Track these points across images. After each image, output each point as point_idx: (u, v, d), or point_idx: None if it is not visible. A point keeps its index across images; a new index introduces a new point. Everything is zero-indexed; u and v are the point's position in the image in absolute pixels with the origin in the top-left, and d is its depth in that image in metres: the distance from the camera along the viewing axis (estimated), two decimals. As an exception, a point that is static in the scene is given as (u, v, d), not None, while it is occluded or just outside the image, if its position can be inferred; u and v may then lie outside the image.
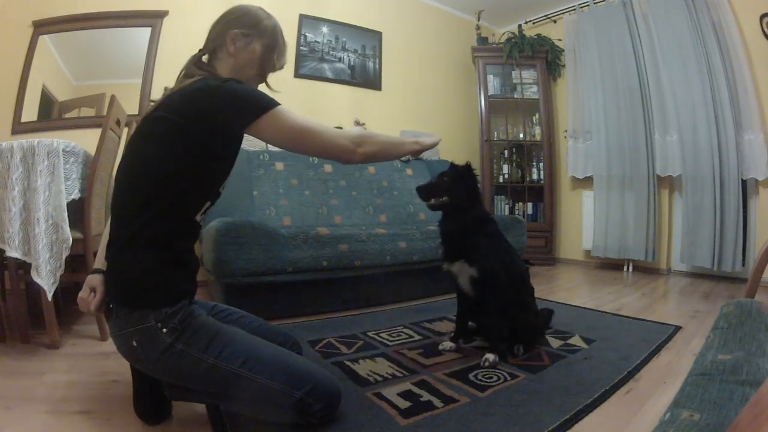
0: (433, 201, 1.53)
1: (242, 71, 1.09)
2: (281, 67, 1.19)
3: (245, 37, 1.07)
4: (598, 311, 2.19)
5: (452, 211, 1.55)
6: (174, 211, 0.96)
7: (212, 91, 0.94)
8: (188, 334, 0.94)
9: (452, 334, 1.66)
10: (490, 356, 1.44)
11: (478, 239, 1.51)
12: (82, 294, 1.01)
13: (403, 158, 3.35)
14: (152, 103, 1.02)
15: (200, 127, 0.93)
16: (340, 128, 3.71)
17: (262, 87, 1.17)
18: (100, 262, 1.04)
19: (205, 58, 1.09)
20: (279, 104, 0.98)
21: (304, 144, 1.00)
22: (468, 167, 1.56)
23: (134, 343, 0.93)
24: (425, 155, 3.59)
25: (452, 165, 1.59)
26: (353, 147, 1.03)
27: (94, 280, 1.02)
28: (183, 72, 1.06)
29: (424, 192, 1.54)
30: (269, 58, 1.13)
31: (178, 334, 0.93)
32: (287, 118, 0.97)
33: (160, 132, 0.94)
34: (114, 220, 0.99)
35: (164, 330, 0.92)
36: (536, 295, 2.51)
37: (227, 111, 0.94)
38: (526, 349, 1.55)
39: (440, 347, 1.60)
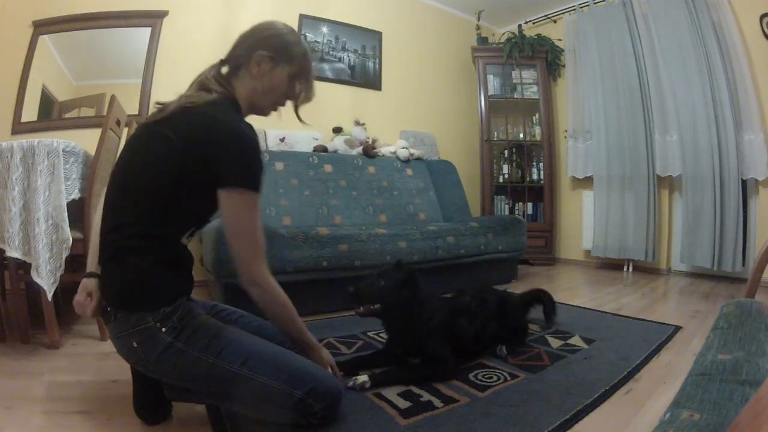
0: (362, 309, 1.33)
1: (261, 96, 1.06)
2: (308, 101, 1.14)
3: (272, 61, 1.03)
4: (598, 311, 2.19)
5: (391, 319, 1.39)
6: (167, 228, 0.97)
7: (223, 138, 0.93)
8: (188, 333, 0.94)
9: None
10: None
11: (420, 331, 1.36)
12: (78, 297, 1.00)
13: (402, 159, 3.35)
14: (158, 106, 1.01)
15: (199, 166, 0.93)
16: (340, 128, 3.67)
17: (273, 116, 1.14)
18: (93, 265, 1.03)
19: (224, 69, 1.07)
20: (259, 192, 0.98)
21: (239, 237, 0.97)
22: (411, 274, 1.37)
23: (134, 344, 0.93)
24: (426, 155, 3.59)
25: (397, 264, 1.42)
26: (251, 278, 0.99)
27: (89, 284, 1.01)
28: (198, 80, 1.04)
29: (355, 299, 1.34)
30: (292, 87, 1.09)
31: (177, 333, 0.93)
32: (253, 208, 0.97)
33: (164, 152, 0.93)
34: (106, 224, 0.98)
35: (163, 329, 0.92)
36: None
37: (226, 164, 0.93)
38: (509, 350, 1.54)
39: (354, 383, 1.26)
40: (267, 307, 1.04)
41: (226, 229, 0.97)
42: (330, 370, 1.14)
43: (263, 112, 1.11)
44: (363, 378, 1.25)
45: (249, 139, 0.95)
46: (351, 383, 1.23)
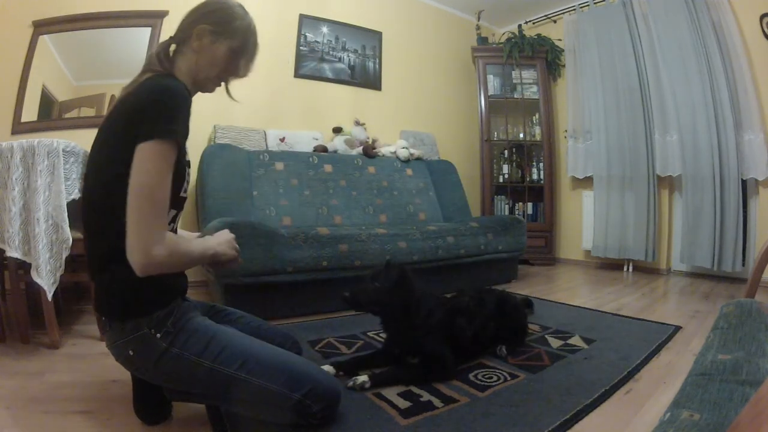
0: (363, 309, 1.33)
1: (202, 71, 1.02)
2: (245, 75, 1.09)
3: (212, 35, 0.99)
4: (598, 311, 2.19)
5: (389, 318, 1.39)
6: None
7: (140, 95, 0.88)
8: (184, 337, 0.93)
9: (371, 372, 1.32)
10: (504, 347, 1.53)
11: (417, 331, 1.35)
12: None
13: (402, 159, 3.35)
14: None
15: (132, 138, 0.85)
16: (340, 128, 3.66)
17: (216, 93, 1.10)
18: None
19: (173, 48, 1.04)
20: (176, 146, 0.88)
21: (138, 197, 0.83)
22: (403, 273, 1.35)
23: (131, 353, 0.93)
24: (426, 155, 3.59)
25: (387, 264, 1.38)
26: (147, 264, 0.83)
27: None
28: (144, 63, 1.02)
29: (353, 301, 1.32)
30: (234, 62, 1.04)
31: (172, 338, 0.92)
32: (158, 160, 0.84)
33: (110, 142, 0.91)
34: (88, 235, 0.97)
35: (158, 335, 0.91)
36: (537, 295, 2.51)
37: (140, 119, 0.85)
38: (509, 350, 1.54)
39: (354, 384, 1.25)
40: (173, 268, 0.92)
41: (129, 192, 0.83)
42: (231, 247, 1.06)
43: (206, 88, 1.07)
44: (363, 378, 1.25)
45: (163, 88, 0.88)
46: (351, 383, 1.23)
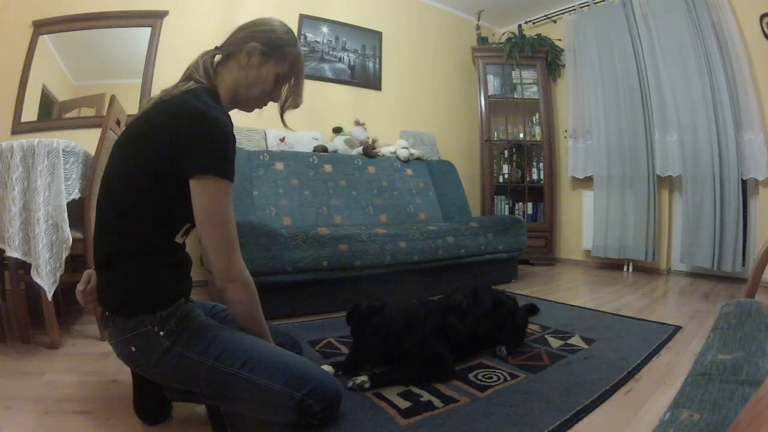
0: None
1: (244, 89, 1.03)
2: (294, 107, 1.10)
3: (262, 56, 1.01)
4: (598, 311, 2.19)
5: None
6: (155, 228, 0.94)
7: (189, 122, 0.88)
8: (186, 336, 0.93)
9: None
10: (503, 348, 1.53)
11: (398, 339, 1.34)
12: (79, 286, 1.03)
13: (402, 159, 3.35)
14: (144, 102, 1.00)
15: (170, 155, 0.89)
16: (340, 128, 3.66)
17: (261, 111, 1.11)
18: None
19: (218, 57, 1.05)
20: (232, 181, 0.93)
21: (213, 228, 0.91)
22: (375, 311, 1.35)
23: (133, 349, 0.93)
24: (426, 155, 3.59)
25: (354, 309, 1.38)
26: (229, 275, 0.94)
27: (87, 274, 1.04)
28: (188, 69, 1.03)
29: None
30: (278, 88, 1.06)
31: (175, 337, 0.92)
32: (226, 196, 0.92)
33: (140, 148, 0.92)
34: (99, 230, 0.98)
35: (161, 333, 0.91)
36: (537, 295, 2.51)
37: (193, 149, 0.88)
38: (509, 350, 1.54)
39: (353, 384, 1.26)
40: (244, 305, 0.98)
41: (198, 221, 0.91)
42: None
43: (245, 106, 1.08)
44: (362, 378, 1.25)
45: (217, 122, 0.90)
46: (350, 383, 1.23)
